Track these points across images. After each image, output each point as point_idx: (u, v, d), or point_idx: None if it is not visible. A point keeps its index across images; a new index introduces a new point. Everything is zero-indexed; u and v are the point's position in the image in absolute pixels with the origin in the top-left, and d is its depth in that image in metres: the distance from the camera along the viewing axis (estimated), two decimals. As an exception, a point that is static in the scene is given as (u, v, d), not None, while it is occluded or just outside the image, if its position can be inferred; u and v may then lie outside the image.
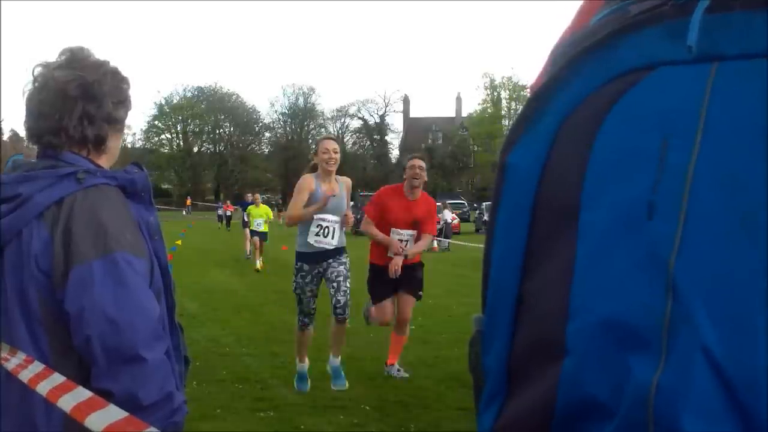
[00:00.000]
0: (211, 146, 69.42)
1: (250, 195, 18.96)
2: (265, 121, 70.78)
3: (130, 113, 1.57)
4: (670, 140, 0.47)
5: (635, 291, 0.46)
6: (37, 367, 1.30)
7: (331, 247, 4.62)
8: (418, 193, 5.28)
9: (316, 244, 4.57)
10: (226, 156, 67.28)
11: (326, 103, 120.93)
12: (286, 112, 69.69)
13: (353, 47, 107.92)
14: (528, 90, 0.69)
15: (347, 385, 4.83)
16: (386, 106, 69.51)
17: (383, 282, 5.23)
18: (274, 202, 43.36)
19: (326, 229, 4.61)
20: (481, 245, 0.58)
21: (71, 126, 1.41)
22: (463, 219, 31.61)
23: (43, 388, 1.24)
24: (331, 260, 4.66)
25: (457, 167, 59.91)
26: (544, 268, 0.53)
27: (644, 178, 0.47)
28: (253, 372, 5.59)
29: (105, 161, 1.51)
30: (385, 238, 5.07)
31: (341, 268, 4.68)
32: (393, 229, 5.19)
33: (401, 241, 5.17)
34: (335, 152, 4.68)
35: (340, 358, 4.94)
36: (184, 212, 47.14)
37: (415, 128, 68.48)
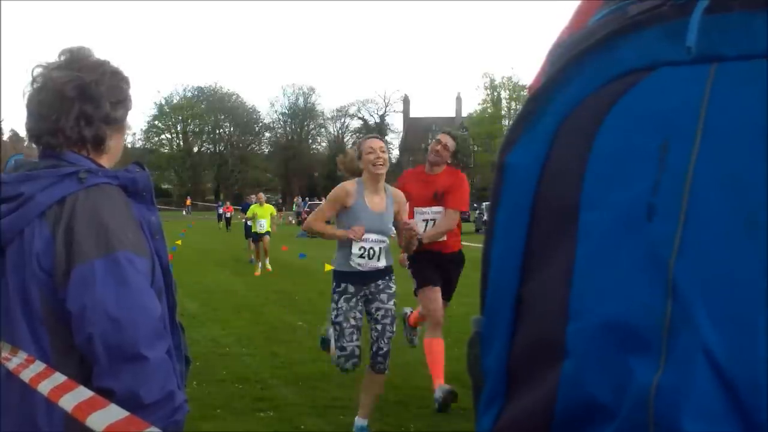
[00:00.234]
0: (211, 146, 69.52)
1: (253, 196, 17.41)
2: (265, 121, 70.97)
3: (130, 113, 1.57)
4: (669, 141, 0.47)
5: (635, 292, 0.46)
6: (39, 366, 1.30)
7: (381, 267, 3.91)
8: (441, 168, 4.67)
9: (360, 268, 3.85)
10: (226, 156, 67.36)
11: (326, 103, 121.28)
12: (286, 112, 69.80)
13: (353, 47, 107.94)
14: (527, 90, 0.69)
15: None
16: (386, 106, 69.60)
17: (430, 267, 4.55)
18: (273, 202, 43.31)
19: (371, 251, 3.83)
20: (481, 245, 0.59)
21: (68, 127, 1.41)
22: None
23: (44, 387, 1.24)
24: (380, 283, 3.90)
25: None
26: (544, 269, 0.53)
27: (644, 179, 0.47)
28: (253, 372, 5.60)
29: (106, 161, 1.51)
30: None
31: (390, 303, 3.92)
32: (415, 208, 4.55)
33: (424, 221, 4.56)
34: (383, 151, 3.87)
35: (367, 420, 4.04)
36: (184, 212, 47.20)
37: (415, 128, 68.52)
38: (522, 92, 56.47)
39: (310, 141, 70.55)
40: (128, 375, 1.30)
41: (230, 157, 66.19)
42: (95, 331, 1.29)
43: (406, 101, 70.73)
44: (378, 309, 3.90)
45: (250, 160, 66.37)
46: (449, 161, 4.71)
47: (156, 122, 66.77)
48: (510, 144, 0.57)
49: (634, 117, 0.50)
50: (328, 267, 11.13)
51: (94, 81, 1.43)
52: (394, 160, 62.21)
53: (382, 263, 3.89)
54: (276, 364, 5.81)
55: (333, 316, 3.90)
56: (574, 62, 0.55)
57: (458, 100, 71.41)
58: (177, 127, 66.94)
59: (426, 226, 4.55)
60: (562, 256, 0.51)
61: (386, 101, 69.37)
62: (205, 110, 66.32)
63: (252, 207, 14.78)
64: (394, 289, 3.97)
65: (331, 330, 4.10)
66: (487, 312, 0.58)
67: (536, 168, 0.55)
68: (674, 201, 0.46)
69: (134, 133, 64.21)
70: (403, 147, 67.68)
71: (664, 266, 0.45)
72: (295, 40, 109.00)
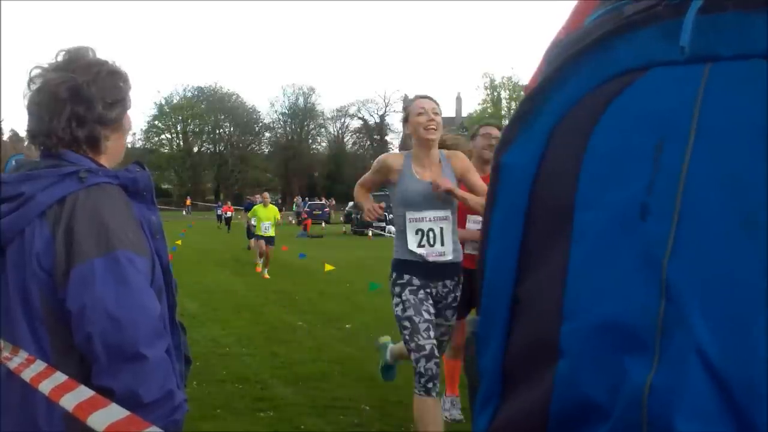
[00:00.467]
0: (211, 146, 69.47)
1: (258, 197, 16.46)
2: (265, 121, 70.88)
3: (130, 113, 1.57)
4: (663, 141, 0.47)
5: (630, 292, 0.46)
6: (39, 366, 1.30)
7: (447, 260, 3.10)
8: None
9: (425, 258, 3.07)
10: (226, 156, 67.30)
11: (326, 103, 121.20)
12: (286, 112, 69.74)
13: (353, 47, 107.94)
14: (524, 90, 0.69)
15: None
16: (386, 106, 69.47)
17: (464, 297, 3.47)
18: (273, 202, 43.14)
19: (430, 233, 3.06)
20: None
21: (60, 128, 1.41)
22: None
23: (45, 387, 1.24)
24: (448, 284, 3.13)
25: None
26: (539, 269, 0.53)
27: (638, 179, 0.47)
28: (253, 372, 5.59)
29: (105, 161, 1.51)
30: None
31: (453, 320, 3.24)
32: (468, 216, 3.81)
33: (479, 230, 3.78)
34: (435, 113, 3.06)
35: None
36: (184, 212, 47.18)
37: (415, 128, 68.17)
38: (522, 92, 56.52)
39: (310, 141, 70.51)
40: (128, 374, 1.30)
41: (230, 157, 66.17)
42: (95, 330, 1.29)
43: (406, 101, 70.81)
44: (440, 325, 3.17)
45: (250, 160, 66.35)
46: None
47: (156, 122, 66.74)
48: (506, 144, 0.57)
49: (629, 117, 0.50)
50: (328, 267, 11.16)
51: (87, 82, 1.42)
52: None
53: (448, 253, 3.09)
54: (276, 364, 5.80)
55: (399, 312, 3.05)
56: (571, 62, 0.55)
57: (458, 100, 71.30)
58: (177, 127, 66.92)
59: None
60: (557, 256, 0.51)
61: (386, 101, 69.38)
62: (205, 110, 66.30)
63: (255, 207, 14.26)
64: (458, 297, 3.22)
65: (386, 339, 3.51)
66: (483, 312, 0.58)
67: (532, 168, 0.55)
68: (668, 201, 0.46)
69: (134, 133, 64.33)
70: (403, 147, 67.64)
71: (658, 266, 0.45)
72: (295, 40, 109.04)
